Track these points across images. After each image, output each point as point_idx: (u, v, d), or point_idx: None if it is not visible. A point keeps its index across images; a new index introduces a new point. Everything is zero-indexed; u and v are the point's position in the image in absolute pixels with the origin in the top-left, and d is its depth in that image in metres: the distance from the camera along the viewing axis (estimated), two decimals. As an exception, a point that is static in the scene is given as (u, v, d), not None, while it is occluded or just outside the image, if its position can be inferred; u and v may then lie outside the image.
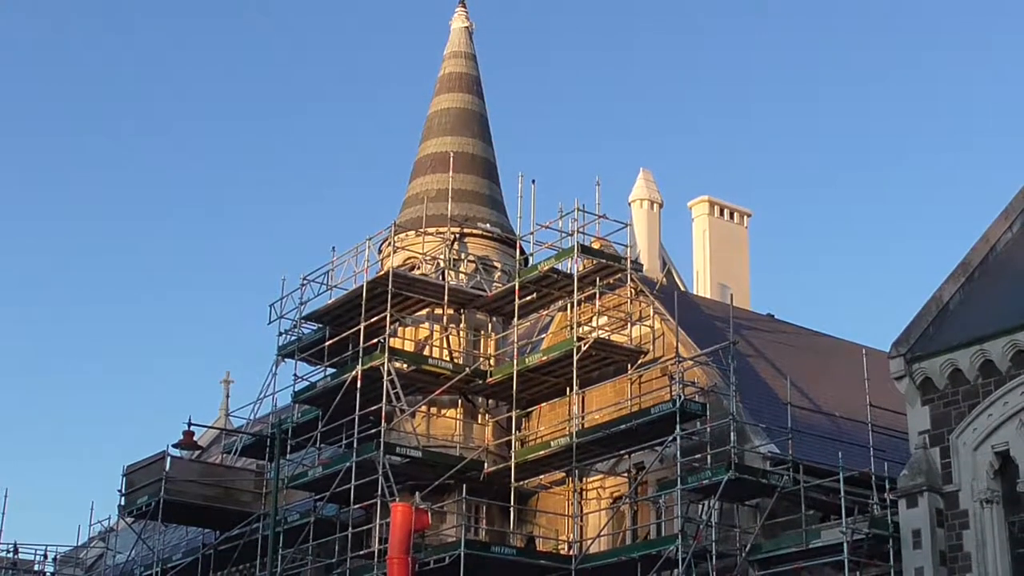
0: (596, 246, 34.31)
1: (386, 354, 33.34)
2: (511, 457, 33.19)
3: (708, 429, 29.78)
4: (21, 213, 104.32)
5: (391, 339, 34.60)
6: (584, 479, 33.48)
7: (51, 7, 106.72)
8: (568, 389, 33.38)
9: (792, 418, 29.58)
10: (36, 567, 45.88)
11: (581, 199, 34.10)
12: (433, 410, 35.31)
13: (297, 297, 37.09)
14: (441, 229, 36.84)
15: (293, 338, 37.31)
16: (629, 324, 34.09)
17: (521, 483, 33.25)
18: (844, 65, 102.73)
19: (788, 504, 28.66)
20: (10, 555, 44.78)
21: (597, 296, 33.94)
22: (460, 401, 35.40)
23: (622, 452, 32.40)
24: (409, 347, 35.81)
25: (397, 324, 35.50)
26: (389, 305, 34.26)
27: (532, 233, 35.28)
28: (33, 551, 45.58)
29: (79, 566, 46.87)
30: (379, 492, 31.80)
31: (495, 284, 36.50)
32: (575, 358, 32.48)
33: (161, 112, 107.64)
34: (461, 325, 36.20)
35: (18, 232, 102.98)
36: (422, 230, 36.94)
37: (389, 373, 33.12)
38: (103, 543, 44.78)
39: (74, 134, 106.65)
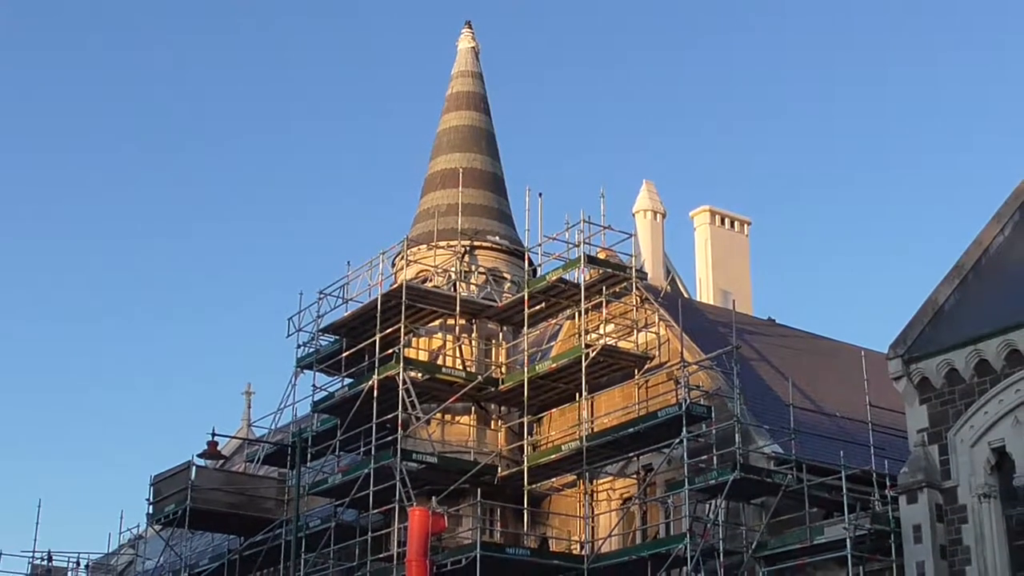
0: (602, 256, 34.36)
1: (401, 364, 33.58)
2: (524, 461, 33.45)
3: (714, 431, 29.93)
4: (46, 226, 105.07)
5: (406, 349, 34.80)
6: (594, 481, 33.56)
7: (60, 15, 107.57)
8: (577, 395, 33.56)
9: (795, 419, 29.78)
10: (69, 574, 46.12)
11: (586, 210, 34.34)
12: (447, 417, 35.55)
13: (314, 311, 37.34)
14: (452, 242, 37.12)
15: (311, 350, 37.43)
16: (635, 331, 34.27)
17: (534, 486, 33.46)
18: (838, 74, 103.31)
19: (792, 502, 28.89)
20: (45, 563, 45.05)
21: (604, 304, 34.14)
22: (473, 408, 35.62)
23: (631, 455, 32.59)
24: (423, 357, 36.05)
25: (411, 335, 35.66)
26: (403, 316, 34.51)
27: (540, 245, 35.50)
28: (66, 559, 45.99)
29: (110, 572, 47.09)
30: (397, 497, 32.08)
31: (505, 295, 36.68)
32: (584, 365, 32.74)
33: (180, 130, 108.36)
34: (473, 335, 36.44)
35: (45, 246, 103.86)
36: (434, 244, 37.25)
37: (404, 382, 33.36)
38: (133, 550, 45.41)
39: (100, 148, 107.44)
